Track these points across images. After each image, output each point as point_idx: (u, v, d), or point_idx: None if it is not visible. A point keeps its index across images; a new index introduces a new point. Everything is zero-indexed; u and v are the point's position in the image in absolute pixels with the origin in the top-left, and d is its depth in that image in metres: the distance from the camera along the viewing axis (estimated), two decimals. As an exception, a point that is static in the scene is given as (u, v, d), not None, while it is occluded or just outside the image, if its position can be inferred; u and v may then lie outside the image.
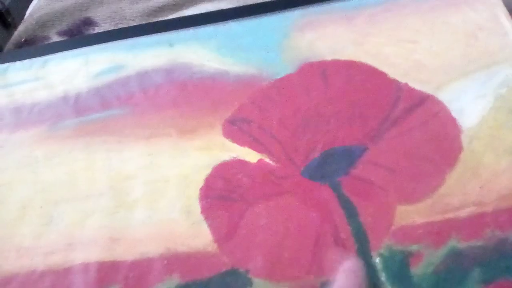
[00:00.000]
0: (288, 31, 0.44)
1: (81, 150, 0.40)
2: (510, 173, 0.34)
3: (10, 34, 0.56)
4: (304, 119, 0.38)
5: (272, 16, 0.45)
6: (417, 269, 0.31)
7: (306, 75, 0.41)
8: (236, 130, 0.39)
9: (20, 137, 0.42)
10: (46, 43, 0.54)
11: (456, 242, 0.32)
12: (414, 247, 0.32)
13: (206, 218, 0.35)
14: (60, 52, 0.47)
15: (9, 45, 0.55)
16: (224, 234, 0.34)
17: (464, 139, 0.35)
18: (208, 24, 0.46)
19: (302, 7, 0.45)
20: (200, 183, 0.37)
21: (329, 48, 0.42)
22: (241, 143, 0.38)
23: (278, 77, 0.41)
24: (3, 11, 0.62)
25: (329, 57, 0.41)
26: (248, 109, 0.40)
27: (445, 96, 0.38)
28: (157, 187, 0.37)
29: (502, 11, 0.42)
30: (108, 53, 0.46)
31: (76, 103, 0.43)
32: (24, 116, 0.43)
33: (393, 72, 0.40)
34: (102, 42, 0.47)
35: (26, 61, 0.47)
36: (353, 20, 0.43)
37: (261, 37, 0.44)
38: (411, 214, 0.33)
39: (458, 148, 0.35)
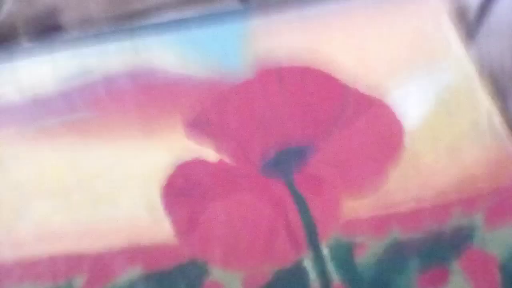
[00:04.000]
0: (249, 38, 0.46)
1: (49, 151, 0.41)
2: (447, 171, 0.37)
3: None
4: (261, 121, 0.41)
5: (233, 23, 0.47)
6: (362, 259, 0.34)
7: (264, 80, 0.43)
8: (198, 132, 0.41)
9: (-10, 139, 0.43)
10: (14, 47, 0.55)
11: (397, 234, 0.34)
12: (359, 238, 0.34)
13: (169, 214, 0.37)
14: (29, 57, 0.49)
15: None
16: (185, 228, 0.36)
17: (407, 140, 0.38)
18: (172, 31, 0.48)
19: (260, 15, 0.47)
20: (163, 181, 0.39)
21: (285, 55, 0.44)
22: (202, 144, 0.40)
23: (238, 82, 0.43)
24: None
25: (285, 63, 0.44)
26: (209, 112, 0.42)
27: (391, 99, 0.41)
28: (122, 185, 0.39)
29: (446, 20, 0.45)
30: (76, 58, 0.47)
31: (45, 106, 0.44)
32: (-6, 120, 0.45)
33: (344, 78, 0.42)
34: (70, 46, 0.48)
35: (-4, 66, 0.48)
36: (309, 29, 0.46)
37: (223, 43, 0.46)
38: (357, 209, 0.36)
39: (401, 149, 0.38)
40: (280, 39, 0.45)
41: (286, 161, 0.39)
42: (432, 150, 0.38)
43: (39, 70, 0.47)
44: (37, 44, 0.55)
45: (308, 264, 0.34)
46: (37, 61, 0.48)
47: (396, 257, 0.34)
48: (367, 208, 0.36)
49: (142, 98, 0.44)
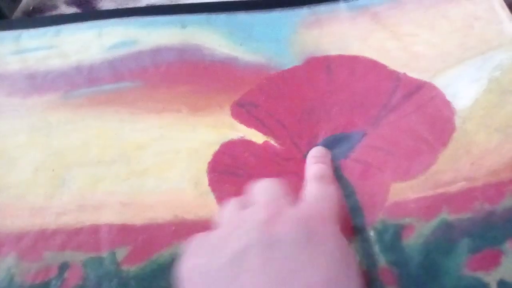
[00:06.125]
0: (297, 27, 0.46)
1: (94, 118, 0.41)
2: (499, 150, 0.36)
3: (16, 4, 0.56)
4: (308, 107, 0.40)
5: (282, 11, 0.47)
6: (409, 240, 0.33)
7: (312, 68, 0.43)
8: (244, 112, 0.41)
9: (34, 103, 0.43)
10: (59, 14, 0.54)
11: (446, 215, 0.33)
12: (406, 220, 0.34)
13: (213, 190, 0.37)
14: (74, 23, 0.48)
15: (17, 13, 0.55)
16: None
17: (458, 120, 0.38)
18: (220, 12, 0.47)
19: (310, 5, 0.47)
20: (209, 157, 0.39)
21: (334, 44, 0.44)
22: (248, 124, 0.40)
23: (285, 68, 0.43)
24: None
25: (333, 52, 0.44)
26: (256, 95, 0.42)
27: (441, 82, 0.40)
28: (167, 158, 0.39)
29: (498, 2, 0.45)
30: (121, 28, 0.47)
31: (89, 73, 0.44)
32: (37, 83, 0.44)
33: (393, 64, 0.42)
34: (115, 15, 0.48)
35: (40, 29, 0.48)
36: (358, 19, 0.46)
37: (271, 30, 0.46)
38: (404, 191, 0.35)
39: (451, 129, 0.37)
40: (328, 29, 0.45)
41: (332, 147, 0.38)
42: (484, 130, 0.37)
43: (83, 37, 0.47)
44: (80, 12, 0.55)
45: (354, 247, 0.33)
46: (80, 27, 0.48)
47: (445, 238, 0.33)
48: (415, 189, 0.35)
49: (189, 73, 0.43)
